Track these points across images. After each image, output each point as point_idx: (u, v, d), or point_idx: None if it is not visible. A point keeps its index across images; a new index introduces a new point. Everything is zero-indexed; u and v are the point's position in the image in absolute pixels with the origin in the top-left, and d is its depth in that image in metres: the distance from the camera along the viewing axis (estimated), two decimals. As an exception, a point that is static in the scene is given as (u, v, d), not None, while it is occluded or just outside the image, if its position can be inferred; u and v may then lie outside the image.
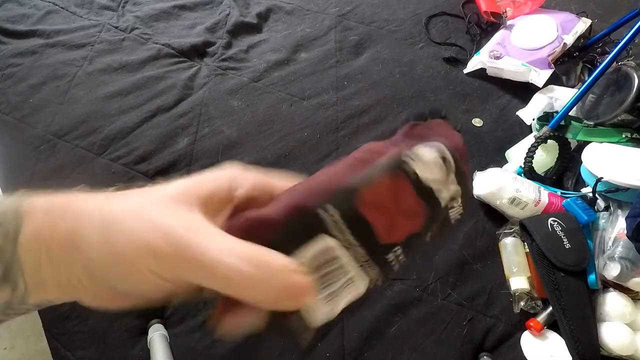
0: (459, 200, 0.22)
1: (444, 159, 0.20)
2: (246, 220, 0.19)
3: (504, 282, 0.84)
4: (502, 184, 0.87)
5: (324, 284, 0.19)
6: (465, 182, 0.22)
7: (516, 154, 1.00)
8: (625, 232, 0.75)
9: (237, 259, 0.16)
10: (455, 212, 0.22)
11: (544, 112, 1.02)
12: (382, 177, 0.19)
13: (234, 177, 0.20)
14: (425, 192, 0.20)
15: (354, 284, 0.19)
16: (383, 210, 0.19)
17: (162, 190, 0.19)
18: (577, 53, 1.19)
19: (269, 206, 0.19)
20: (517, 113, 1.12)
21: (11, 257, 0.17)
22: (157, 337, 0.72)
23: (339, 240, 0.19)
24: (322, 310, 0.19)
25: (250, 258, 0.17)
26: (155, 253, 0.17)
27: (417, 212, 0.20)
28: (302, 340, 0.19)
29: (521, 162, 0.94)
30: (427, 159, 0.20)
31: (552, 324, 0.79)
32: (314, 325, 0.19)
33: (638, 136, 0.93)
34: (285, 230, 0.18)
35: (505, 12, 1.26)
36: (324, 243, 0.18)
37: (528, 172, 0.93)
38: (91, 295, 0.19)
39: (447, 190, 0.20)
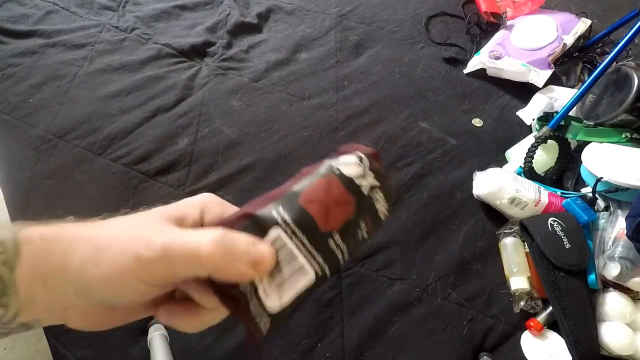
0: (380, 193, 0.27)
1: (360, 159, 0.26)
2: (215, 225, 0.23)
3: (504, 282, 0.84)
4: (502, 184, 0.87)
5: (276, 268, 0.22)
6: (381, 177, 0.27)
7: (516, 154, 1.00)
8: (625, 232, 0.75)
9: (212, 240, 0.20)
10: (380, 206, 0.27)
11: (544, 112, 1.02)
12: (317, 179, 0.25)
13: (205, 203, 0.24)
14: (349, 184, 0.25)
15: (304, 271, 0.23)
16: (319, 203, 0.24)
17: (144, 214, 0.23)
18: (577, 53, 1.19)
19: (231, 214, 0.24)
20: (517, 113, 1.12)
21: (8, 282, 0.19)
22: (157, 337, 0.72)
23: (286, 231, 0.23)
24: (274, 294, 0.22)
25: (220, 238, 0.20)
26: (140, 260, 0.19)
27: (346, 200, 0.25)
28: (262, 327, 0.22)
29: (521, 162, 0.94)
30: (348, 161, 0.26)
31: (552, 324, 0.79)
32: (270, 311, 0.22)
33: (638, 136, 0.93)
34: (244, 228, 0.22)
35: (505, 12, 1.26)
36: (275, 232, 0.23)
37: (528, 172, 0.93)
38: (79, 315, 0.21)
39: (366, 181, 0.26)
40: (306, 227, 0.23)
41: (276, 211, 0.23)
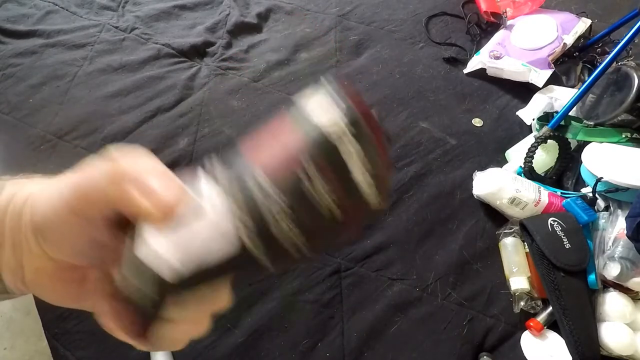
0: (358, 146, 0.17)
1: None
2: None
3: (504, 282, 0.84)
4: (502, 184, 0.87)
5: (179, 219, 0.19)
6: (364, 133, 0.18)
7: (516, 154, 1.00)
8: (625, 232, 0.75)
9: (115, 158, 0.20)
10: (351, 149, 0.17)
11: (544, 112, 1.02)
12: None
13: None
14: (295, 110, 0.19)
15: (203, 212, 0.18)
16: (254, 137, 0.19)
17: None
18: (577, 53, 1.19)
19: None
20: (517, 113, 1.12)
21: None
22: (157, 337, 0.72)
23: (207, 176, 0.19)
24: (153, 241, 0.18)
25: (122, 160, 0.20)
26: (65, 179, 0.19)
27: (283, 127, 0.18)
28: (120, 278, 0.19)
29: (521, 162, 0.94)
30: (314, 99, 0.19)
31: (552, 324, 0.79)
32: (138, 254, 0.18)
33: (638, 136, 0.93)
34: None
35: (505, 12, 1.26)
36: (203, 181, 0.19)
37: (528, 172, 0.93)
38: (38, 277, 0.21)
39: (324, 112, 0.18)
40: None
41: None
